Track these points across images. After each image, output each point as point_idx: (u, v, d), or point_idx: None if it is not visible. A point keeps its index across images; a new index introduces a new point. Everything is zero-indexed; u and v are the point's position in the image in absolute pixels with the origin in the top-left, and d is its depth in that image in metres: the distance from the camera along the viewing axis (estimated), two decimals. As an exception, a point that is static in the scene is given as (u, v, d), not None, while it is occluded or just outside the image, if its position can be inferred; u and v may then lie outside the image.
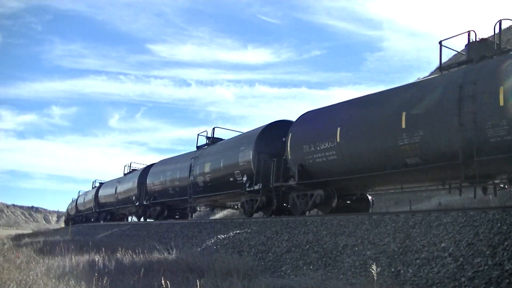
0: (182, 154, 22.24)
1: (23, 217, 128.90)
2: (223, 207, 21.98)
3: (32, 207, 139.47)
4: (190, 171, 18.98)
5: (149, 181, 23.46)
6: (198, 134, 20.45)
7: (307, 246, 9.74)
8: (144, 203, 23.75)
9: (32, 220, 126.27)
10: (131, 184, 26.41)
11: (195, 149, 20.46)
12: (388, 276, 7.10)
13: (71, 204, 45.88)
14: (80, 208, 39.74)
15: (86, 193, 39.29)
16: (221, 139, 19.64)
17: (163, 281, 5.93)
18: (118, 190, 28.92)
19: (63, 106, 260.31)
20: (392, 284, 6.75)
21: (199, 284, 6.23)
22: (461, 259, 6.66)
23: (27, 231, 50.54)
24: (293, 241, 10.34)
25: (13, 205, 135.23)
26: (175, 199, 20.95)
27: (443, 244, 7.26)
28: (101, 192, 33.45)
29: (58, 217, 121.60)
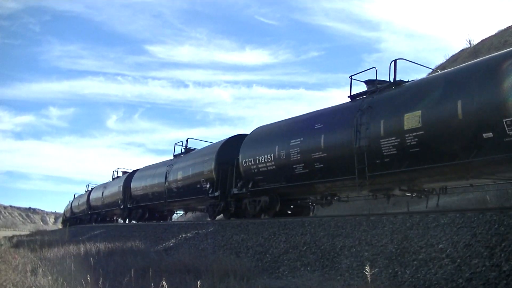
0: (332, 108, 13.06)
1: (21, 218, 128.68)
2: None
3: (30, 208, 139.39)
4: (355, 132, 11.08)
5: (244, 159, 15.01)
6: (350, 77, 12.58)
7: (305, 247, 9.73)
8: (236, 191, 15.34)
9: (29, 221, 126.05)
10: (204, 163, 17.71)
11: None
12: (386, 277, 7.10)
13: (79, 198, 38.02)
14: (95, 203, 32.01)
15: (105, 185, 31.04)
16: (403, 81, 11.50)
17: (164, 282, 5.95)
18: (179, 175, 19.63)
19: (61, 107, 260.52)
20: (389, 285, 6.74)
21: (197, 285, 6.22)
22: (458, 260, 6.66)
23: (25, 232, 50.40)
24: (291, 242, 10.34)
25: (11, 206, 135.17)
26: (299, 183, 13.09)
27: (440, 245, 7.27)
28: (136, 183, 24.54)
29: (56, 218, 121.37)
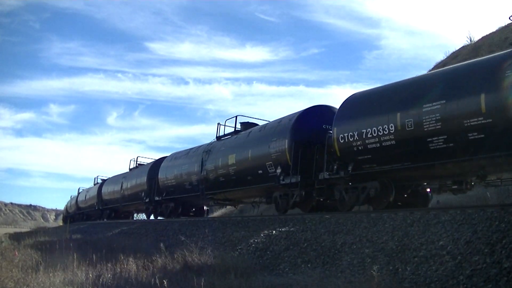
0: None
1: (21, 216, 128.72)
2: None
3: (30, 205, 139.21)
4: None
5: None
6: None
7: (306, 244, 9.73)
8: (327, 176, 12.46)
9: (30, 218, 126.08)
10: None
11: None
12: (387, 274, 7.10)
13: (86, 192, 33.85)
14: (110, 197, 28.51)
15: (124, 176, 27.17)
16: None
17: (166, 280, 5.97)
18: (230, 159, 16.48)
19: (61, 104, 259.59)
20: (390, 282, 6.75)
21: (198, 282, 6.23)
22: (459, 257, 6.67)
23: (25, 229, 50.44)
24: (291, 239, 10.34)
25: (11, 203, 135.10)
26: None
27: (441, 242, 7.27)
28: (165, 171, 21.13)
29: (56, 215, 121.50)
